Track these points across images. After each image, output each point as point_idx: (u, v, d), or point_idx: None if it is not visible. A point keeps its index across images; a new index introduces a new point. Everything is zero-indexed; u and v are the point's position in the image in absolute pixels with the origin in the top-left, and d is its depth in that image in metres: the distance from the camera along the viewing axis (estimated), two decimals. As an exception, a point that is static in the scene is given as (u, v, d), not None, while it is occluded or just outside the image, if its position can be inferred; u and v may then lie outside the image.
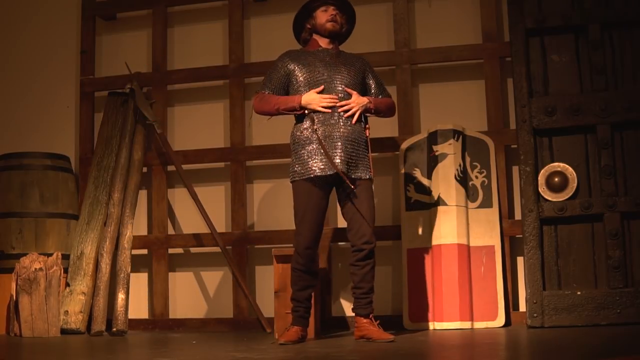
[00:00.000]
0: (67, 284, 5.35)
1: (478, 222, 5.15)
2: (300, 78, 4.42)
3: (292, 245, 4.45)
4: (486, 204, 5.19)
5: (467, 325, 4.96)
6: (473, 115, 5.47)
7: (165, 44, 6.01)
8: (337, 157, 4.26)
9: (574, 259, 4.91)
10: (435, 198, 5.13)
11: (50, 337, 5.01)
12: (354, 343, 4.26)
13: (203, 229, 5.67)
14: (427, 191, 5.20)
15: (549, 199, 4.92)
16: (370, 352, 3.79)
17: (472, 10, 5.58)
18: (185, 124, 5.99)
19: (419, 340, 4.36)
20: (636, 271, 4.81)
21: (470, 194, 5.19)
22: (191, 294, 5.84)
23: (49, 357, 3.96)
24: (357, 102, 4.38)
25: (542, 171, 4.96)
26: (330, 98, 4.34)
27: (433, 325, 5.00)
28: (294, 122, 4.47)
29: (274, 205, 5.73)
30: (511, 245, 5.28)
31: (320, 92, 4.36)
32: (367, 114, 4.47)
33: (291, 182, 4.40)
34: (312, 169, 4.30)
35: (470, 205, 5.18)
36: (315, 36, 4.55)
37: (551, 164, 4.96)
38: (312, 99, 4.34)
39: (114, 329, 5.23)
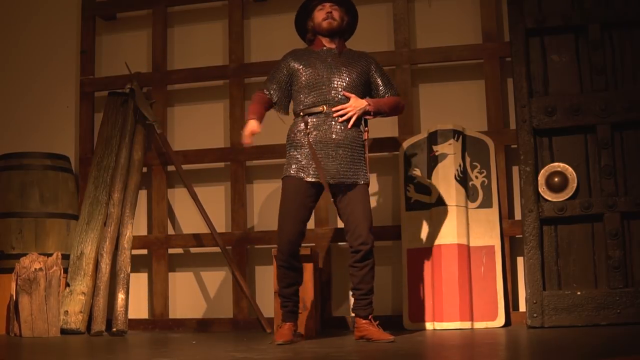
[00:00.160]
0: (67, 284, 5.35)
1: (478, 222, 5.15)
2: (302, 79, 4.41)
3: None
4: (486, 204, 5.19)
5: (467, 325, 4.95)
6: (473, 115, 5.47)
7: (165, 44, 6.01)
8: (328, 164, 4.25)
9: (574, 259, 4.91)
10: (435, 198, 5.13)
11: (50, 337, 5.01)
12: (354, 343, 4.26)
13: (203, 229, 5.67)
14: (427, 191, 5.20)
15: (549, 199, 4.92)
16: (370, 352, 3.79)
17: (472, 10, 5.58)
18: (185, 124, 5.99)
19: (419, 340, 4.36)
20: (636, 271, 4.81)
21: (470, 194, 5.19)
22: (191, 294, 5.84)
23: (49, 357, 3.96)
24: (354, 105, 4.34)
25: (542, 171, 4.96)
26: (247, 133, 4.32)
27: (433, 325, 5.00)
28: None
29: (274, 205, 5.69)
30: (511, 246, 5.28)
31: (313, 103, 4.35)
32: (367, 117, 4.43)
33: (282, 178, 4.39)
34: (301, 173, 4.29)
35: (470, 205, 5.18)
36: (318, 35, 4.54)
37: (551, 164, 4.96)
38: (245, 128, 4.36)
39: (114, 329, 5.23)
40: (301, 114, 4.38)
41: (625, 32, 4.98)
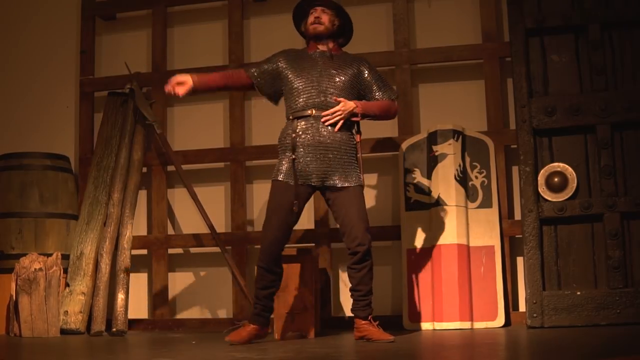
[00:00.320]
0: (67, 284, 5.35)
1: (478, 222, 5.15)
2: (291, 80, 4.41)
3: (291, 245, 4.45)
4: (486, 204, 5.19)
5: (466, 325, 4.95)
6: (473, 115, 5.47)
7: (165, 44, 6.01)
8: (317, 167, 4.25)
9: (574, 259, 4.91)
10: (435, 198, 5.13)
11: (50, 337, 5.00)
12: (354, 343, 4.25)
13: (203, 229, 5.67)
14: (426, 191, 5.20)
15: (549, 199, 4.92)
16: (370, 352, 3.79)
17: (472, 10, 5.58)
18: (185, 124, 5.99)
19: (419, 340, 4.37)
20: (636, 271, 4.81)
21: (470, 194, 5.19)
22: (191, 294, 5.84)
23: (48, 357, 3.96)
24: (343, 108, 4.32)
25: (541, 171, 4.96)
26: (172, 82, 4.33)
27: (433, 325, 4.99)
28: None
29: (273, 206, 5.72)
30: (511, 246, 5.28)
31: (310, 96, 4.33)
32: (354, 119, 4.36)
33: (272, 179, 4.39)
34: (287, 177, 4.29)
35: (470, 205, 5.18)
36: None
37: (551, 164, 4.96)
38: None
39: (114, 329, 5.23)
40: (291, 117, 4.37)
41: (625, 32, 4.98)
